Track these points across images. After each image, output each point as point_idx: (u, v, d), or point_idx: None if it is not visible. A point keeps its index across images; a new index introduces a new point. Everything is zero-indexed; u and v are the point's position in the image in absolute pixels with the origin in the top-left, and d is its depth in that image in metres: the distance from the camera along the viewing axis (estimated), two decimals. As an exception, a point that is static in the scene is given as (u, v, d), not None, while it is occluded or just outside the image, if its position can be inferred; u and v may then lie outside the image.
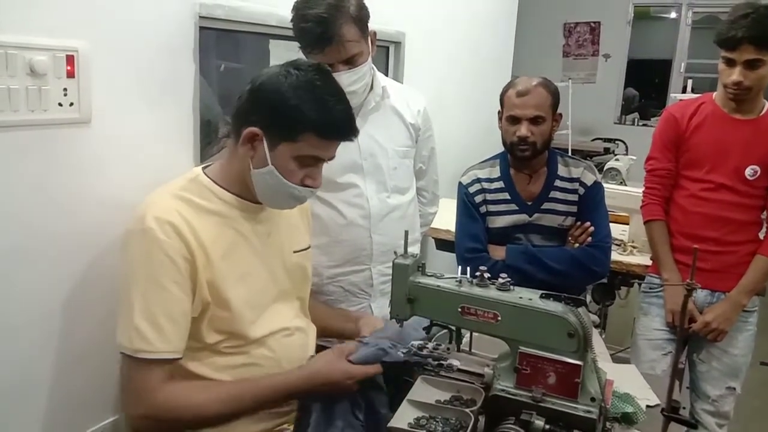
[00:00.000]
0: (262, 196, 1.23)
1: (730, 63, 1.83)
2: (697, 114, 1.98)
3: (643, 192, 2.12)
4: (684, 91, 4.13)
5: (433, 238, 2.59)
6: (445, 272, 1.19)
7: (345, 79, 1.48)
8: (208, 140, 1.77)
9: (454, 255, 1.94)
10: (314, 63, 1.25)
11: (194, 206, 1.18)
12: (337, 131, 1.20)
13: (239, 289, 1.20)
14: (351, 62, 1.49)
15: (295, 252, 1.36)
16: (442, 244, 2.59)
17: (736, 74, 1.82)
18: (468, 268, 1.17)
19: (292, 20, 1.47)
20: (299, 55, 1.53)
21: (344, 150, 1.48)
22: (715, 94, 2.00)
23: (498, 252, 1.83)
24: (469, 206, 1.88)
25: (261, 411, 1.20)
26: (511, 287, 1.12)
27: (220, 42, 2.13)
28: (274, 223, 1.32)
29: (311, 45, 1.46)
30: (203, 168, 1.27)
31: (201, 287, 1.15)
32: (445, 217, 2.06)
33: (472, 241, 1.85)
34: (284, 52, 2.02)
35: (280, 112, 1.15)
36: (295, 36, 1.49)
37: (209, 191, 1.22)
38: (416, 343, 1.24)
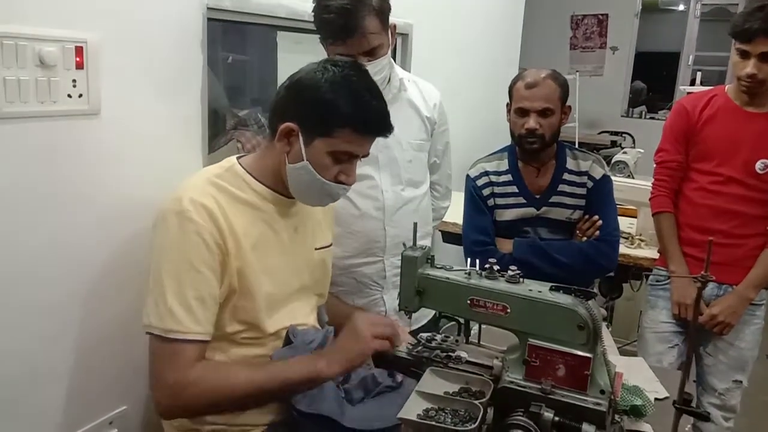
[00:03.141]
0: (296, 192, 1.24)
1: (745, 55, 1.82)
2: (709, 106, 1.97)
3: (653, 184, 2.11)
4: (693, 83, 4.10)
5: (440, 230, 2.58)
6: (453, 265, 1.19)
7: None
8: (214, 131, 1.77)
9: (461, 248, 1.94)
10: (351, 60, 1.26)
11: (228, 194, 1.19)
12: (372, 127, 1.20)
13: (264, 281, 1.21)
14: (372, 54, 1.49)
15: (316, 249, 1.37)
16: (449, 237, 2.58)
17: (750, 67, 1.81)
18: (477, 261, 1.17)
19: (313, 11, 1.47)
20: (307, 46, 1.52)
21: None
22: (727, 86, 1.99)
23: (505, 245, 1.83)
24: (476, 199, 1.88)
25: (293, 382, 1.15)
26: (521, 279, 1.11)
27: (227, 34, 2.13)
28: (302, 218, 1.33)
29: (333, 36, 1.45)
30: (238, 158, 1.27)
31: (230, 274, 1.16)
32: (453, 210, 2.06)
33: (479, 233, 1.85)
34: (292, 44, 2.02)
35: (316, 107, 1.16)
36: (316, 27, 1.49)
37: (243, 181, 1.23)
38: (425, 335, 1.24)
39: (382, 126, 1.22)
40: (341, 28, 1.42)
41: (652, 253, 2.32)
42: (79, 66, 1.22)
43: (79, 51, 1.21)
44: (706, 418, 1.08)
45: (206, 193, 1.16)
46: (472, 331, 1.28)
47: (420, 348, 1.24)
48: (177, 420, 1.24)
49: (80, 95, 1.23)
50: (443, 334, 1.26)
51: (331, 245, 1.45)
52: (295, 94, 1.19)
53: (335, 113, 1.15)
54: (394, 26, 1.56)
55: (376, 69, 1.50)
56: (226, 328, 1.19)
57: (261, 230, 1.22)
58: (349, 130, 1.16)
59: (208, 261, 1.12)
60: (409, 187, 1.70)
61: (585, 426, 1.00)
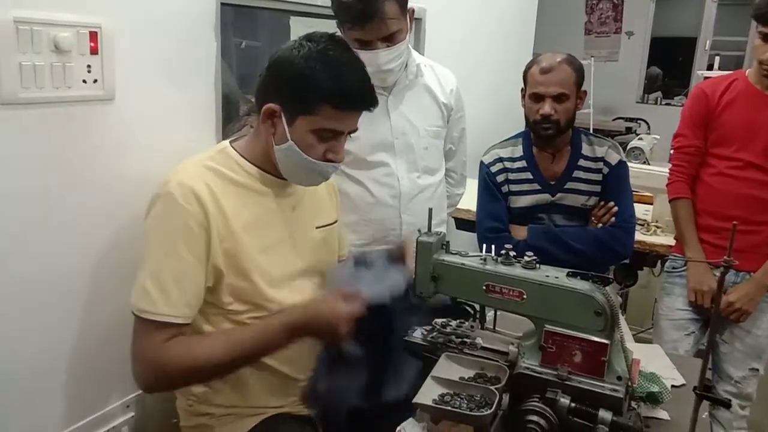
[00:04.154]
0: (286, 173, 1.23)
1: (767, 38, 1.78)
2: (729, 91, 1.93)
3: (670, 170, 2.08)
4: (710, 68, 4.03)
5: (453, 217, 2.57)
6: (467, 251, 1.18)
7: (383, 57, 1.46)
8: (227, 117, 1.77)
9: (474, 235, 1.93)
10: (328, 33, 1.21)
11: (221, 176, 1.19)
12: (352, 101, 1.17)
13: (262, 260, 1.21)
14: (390, 40, 1.47)
15: (317, 228, 1.36)
16: (463, 224, 2.57)
17: None
18: (491, 248, 1.16)
19: None
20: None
21: (376, 128, 1.45)
22: (748, 71, 1.95)
23: (520, 232, 1.82)
24: (490, 186, 1.87)
25: (265, 354, 1.19)
26: (537, 265, 1.10)
27: (238, 19, 2.12)
28: (299, 198, 1.32)
29: (351, 21, 1.44)
30: (230, 142, 1.27)
31: (215, 255, 1.15)
32: (466, 197, 2.05)
33: (493, 220, 1.84)
34: (305, 30, 2.01)
35: (295, 84, 1.14)
36: (334, 11, 1.47)
37: (236, 163, 1.22)
38: (440, 320, 1.24)
39: (364, 99, 1.18)
40: (360, 13, 1.41)
41: (668, 240, 2.29)
42: (94, 51, 1.22)
43: (93, 36, 1.21)
44: (727, 404, 1.07)
45: (197, 175, 1.15)
46: (487, 317, 1.27)
47: (435, 334, 1.23)
48: (190, 403, 1.25)
49: (95, 80, 1.23)
50: (458, 320, 1.26)
51: (335, 222, 1.42)
52: (274, 74, 1.17)
53: (313, 90, 1.12)
54: (413, 11, 1.54)
55: (394, 55, 1.49)
56: (228, 306, 1.19)
57: (256, 211, 1.21)
58: (329, 106, 1.13)
59: (190, 245, 1.12)
60: (425, 175, 1.69)
61: (601, 412, 0.99)
